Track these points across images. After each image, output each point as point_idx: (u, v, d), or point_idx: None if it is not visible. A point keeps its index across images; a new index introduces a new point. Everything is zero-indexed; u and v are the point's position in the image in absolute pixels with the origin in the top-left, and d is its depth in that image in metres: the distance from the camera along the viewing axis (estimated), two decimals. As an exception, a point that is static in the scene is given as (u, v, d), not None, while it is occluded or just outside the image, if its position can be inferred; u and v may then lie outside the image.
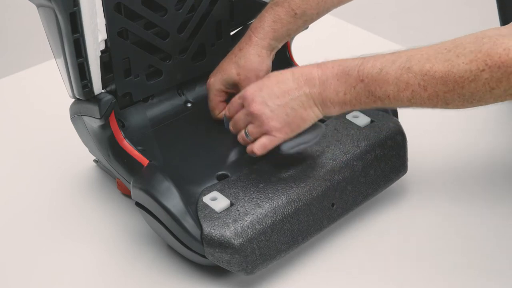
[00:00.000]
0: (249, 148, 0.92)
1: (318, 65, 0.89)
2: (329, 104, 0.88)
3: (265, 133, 0.90)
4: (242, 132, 0.92)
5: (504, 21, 1.21)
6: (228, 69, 1.00)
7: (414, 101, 0.83)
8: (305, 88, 0.88)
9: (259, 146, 0.91)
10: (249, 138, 0.92)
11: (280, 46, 1.02)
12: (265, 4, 1.06)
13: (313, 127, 0.91)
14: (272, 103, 0.89)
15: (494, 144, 1.12)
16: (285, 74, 0.90)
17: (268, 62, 1.00)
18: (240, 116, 0.92)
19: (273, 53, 1.01)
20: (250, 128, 0.91)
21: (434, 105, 0.83)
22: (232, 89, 1.00)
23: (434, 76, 0.81)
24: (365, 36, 1.41)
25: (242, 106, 0.92)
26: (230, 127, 0.95)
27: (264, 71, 0.99)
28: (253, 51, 0.99)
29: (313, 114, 0.89)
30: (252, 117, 0.90)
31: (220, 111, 1.02)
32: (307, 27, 1.03)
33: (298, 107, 0.88)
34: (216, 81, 1.01)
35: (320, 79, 0.88)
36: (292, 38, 1.08)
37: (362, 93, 0.85)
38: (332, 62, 0.88)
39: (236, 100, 0.93)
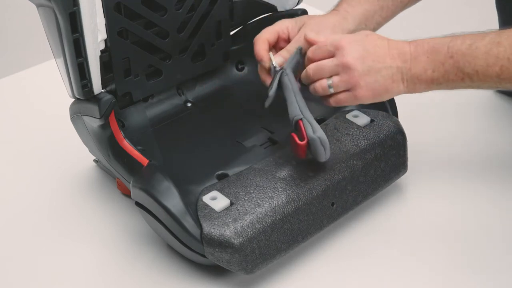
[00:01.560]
0: (324, 99, 0.91)
1: (411, 42, 0.89)
2: (416, 81, 0.88)
3: (349, 89, 0.89)
4: (324, 81, 0.90)
5: (502, 21, 1.21)
6: (282, 21, 1.00)
7: (504, 77, 0.83)
8: (398, 61, 0.88)
9: (336, 100, 0.90)
10: (331, 90, 0.90)
11: (349, 14, 1.00)
12: (265, 4, 1.07)
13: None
14: (368, 63, 0.88)
15: (494, 143, 1.12)
16: (382, 40, 0.90)
17: (333, 20, 0.99)
18: (329, 63, 0.90)
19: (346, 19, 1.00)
20: (336, 79, 0.89)
21: None
22: (283, 39, 0.99)
23: None
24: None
25: (332, 55, 0.90)
26: (309, 72, 0.91)
27: (327, 32, 0.97)
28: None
29: (397, 89, 0.89)
30: (343, 69, 0.88)
31: (269, 37, 0.99)
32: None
33: (387, 77, 0.88)
34: (266, 30, 0.99)
35: (412, 55, 0.88)
36: None
37: (451, 70, 0.85)
38: (424, 39, 0.89)
39: (325, 45, 0.91)
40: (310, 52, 0.92)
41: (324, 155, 0.89)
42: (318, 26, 0.98)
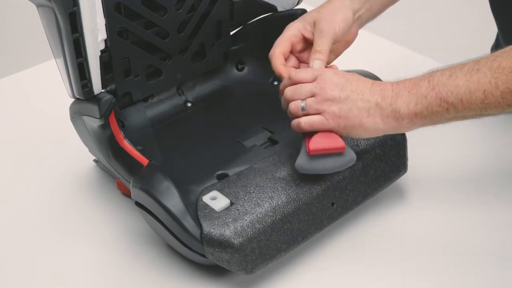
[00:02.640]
0: (295, 121, 0.90)
1: (393, 82, 0.89)
2: (398, 116, 0.87)
3: (321, 113, 0.89)
4: (299, 102, 0.90)
5: (500, 27, 1.21)
6: (290, 26, 1.00)
7: (488, 102, 0.83)
8: (378, 97, 0.88)
9: (307, 122, 0.89)
10: (303, 110, 0.90)
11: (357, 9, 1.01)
12: (265, 4, 1.07)
13: (342, 158, 0.90)
14: (346, 92, 0.88)
15: (494, 143, 1.12)
16: (367, 79, 0.90)
17: (339, 4, 0.99)
18: (307, 86, 0.90)
19: (356, 14, 1.01)
20: (309, 101, 0.89)
21: (508, 104, 0.83)
22: (299, 41, 0.99)
23: (504, 72, 0.82)
24: (365, 36, 1.40)
25: (314, 79, 0.90)
26: (287, 92, 0.91)
27: (340, 17, 0.98)
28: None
29: (374, 125, 0.88)
30: (320, 91, 0.89)
31: (282, 50, 0.98)
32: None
33: (363, 110, 0.88)
34: (277, 44, 0.99)
35: (393, 91, 0.88)
36: None
37: (434, 101, 0.85)
38: (404, 79, 0.89)
39: (310, 70, 0.92)
40: (293, 72, 0.92)
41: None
42: (330, 17, 0.98)
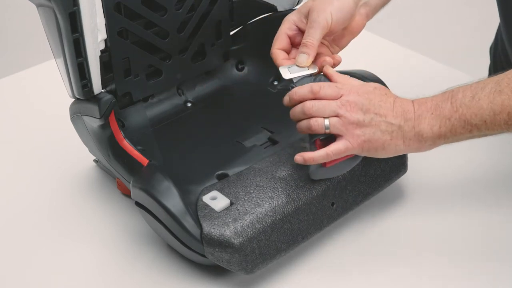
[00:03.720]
0: (322, 153, 0.87)
1: (414, 100, 0.89)
2: (421, 139, 0.87)
3: (343, 135, 0.87)
4: (321, 119, 0.88)
5: (505, 21, 1.21)
6: (285, 19, 0.97)
7: (511, 123, 0.84)
8: (400, 119, 0.87)
9: (334, 151, 0.87)
10: (326, 130, 0.87)
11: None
12: (265, 4, 1.07)
13: (353, 160, 0.91)
14: (370, 115, 0.87)
15: (494, 143, 1.12)
16: (389, 96, 0.89)
17: (346, 3, 0.96)
18: (333, 104, 0.88)
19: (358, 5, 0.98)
20: (334, 121, 0.87)
21: None
22: (295, 35, 0.96)
23: None
24: (365, 36, 1.40)
25: (338, 97, 0.88)
26: (309, 106, 0.88)
27: (334, 7, 0.94)
28: None
29: (395, 148, 0.88)
30: (343, 113, 0.87)
31: (281, 45, 0.96)
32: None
33: (386, 134, 0.87)
34: (276, 40, 0.96)
35: (416, 113, 0.87)
36: None
37: (458, 124, 0.85)
38: (425, 98, 0.88)
39: (335, 86, 0.89)
40: (317, 86, 0.89)
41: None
42: (322, 7, 0.94)
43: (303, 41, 0.94)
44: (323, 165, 0.89)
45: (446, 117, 0.86)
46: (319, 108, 0.88)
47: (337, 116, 0.88)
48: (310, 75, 0.93)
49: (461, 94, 0.86)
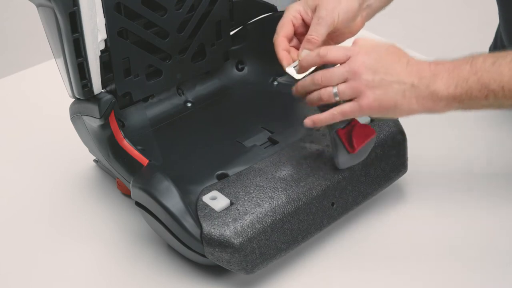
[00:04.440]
0: (328, 114, 0.87)
1: (431, 61, 0.87)
2: (435, 98, 0.85)
3: (354, 98, 0.86)
4: (330, 88, 0.87)
5: (505, 21, 1.21)
6: (291, 7, 0.96)
7: None
8: (414, 78, 0.85)
9: (341, 111, 0.86)
10: (336, 98, 0.87)
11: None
12: (265, 4, 1.07)
13: (370, 143, 0.91)
14: (380, 75, 0.85)
15: (494, 143, 1.12)
16: (404, 55, 0.88)
17: (350, 0, 0.95)
18: (339, 70, 0.86)
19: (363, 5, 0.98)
20: (342, 86, 0.86)
21: None
22: (299, 25, 0.95)
23: None
24: (365, 36, 1.40)
25: (347, 58, 0.87)
26: (317, 77, 0.88)
27: (342, 6, 0.94)
28: None
29: (408, 107, 0.86)
30: (352, 76, 0.86)
31: (286, 33, 0.95)
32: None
33: (399, 92, 0.85)
34: (280, 27, 0.95)
35: (432, 72, 0.85)
36: None
37: (475, 86, 0.84)
38: (443, 60, 0.87)
39: (339, 49, 0.88)
40: (324, 50, 0.88)
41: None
42: (331, 5, 0.94)
43: (308, 36, 0.93)
44: (351, 151, 0.89)
45: (464, 78, 0.84)
46: (327, 77, 0.87)
47: (345, 81, 0.86)
48: (316, 69, 0.93)
49: (482, 59, 0.85)
